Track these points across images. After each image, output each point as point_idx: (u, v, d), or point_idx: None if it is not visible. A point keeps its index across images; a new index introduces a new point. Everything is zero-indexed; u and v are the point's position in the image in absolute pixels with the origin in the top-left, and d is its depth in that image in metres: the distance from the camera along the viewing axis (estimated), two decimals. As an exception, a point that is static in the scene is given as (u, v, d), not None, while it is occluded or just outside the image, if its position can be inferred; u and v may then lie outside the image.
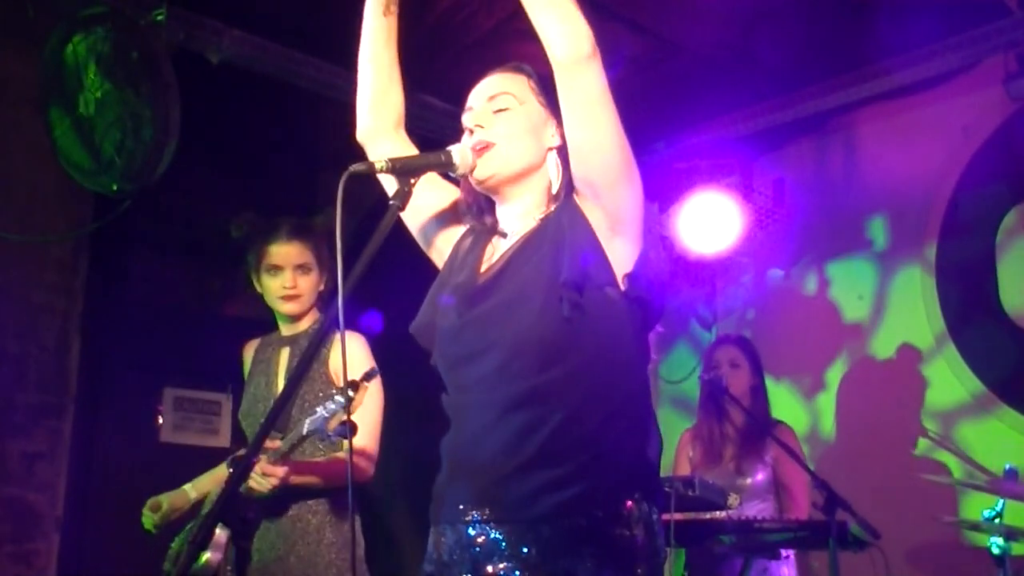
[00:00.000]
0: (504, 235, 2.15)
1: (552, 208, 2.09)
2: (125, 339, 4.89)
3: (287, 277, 3.27)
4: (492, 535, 1.92)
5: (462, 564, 1.96)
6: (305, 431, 2.85)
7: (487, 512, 1.93)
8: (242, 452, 3.01)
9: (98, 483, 4.69)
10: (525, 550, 1.89)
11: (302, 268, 3.28)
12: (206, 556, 2.99)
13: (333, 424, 2.78)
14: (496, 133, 2.08)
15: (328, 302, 3.33)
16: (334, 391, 2.91)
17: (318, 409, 2.81)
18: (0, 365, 4.22)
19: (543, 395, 1.93)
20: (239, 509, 3.05)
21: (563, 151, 2.09)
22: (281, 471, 2.91)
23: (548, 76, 2.15)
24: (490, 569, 1.91)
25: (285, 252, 3.28)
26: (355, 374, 3.17)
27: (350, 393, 2.74)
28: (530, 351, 1.94)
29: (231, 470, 3.19)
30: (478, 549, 1.94)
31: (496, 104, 2.12)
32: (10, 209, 4.30)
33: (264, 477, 2.90)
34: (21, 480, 4.24)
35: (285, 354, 3.31)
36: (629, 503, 1.92)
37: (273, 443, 2.96)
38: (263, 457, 2.92)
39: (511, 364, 1.95)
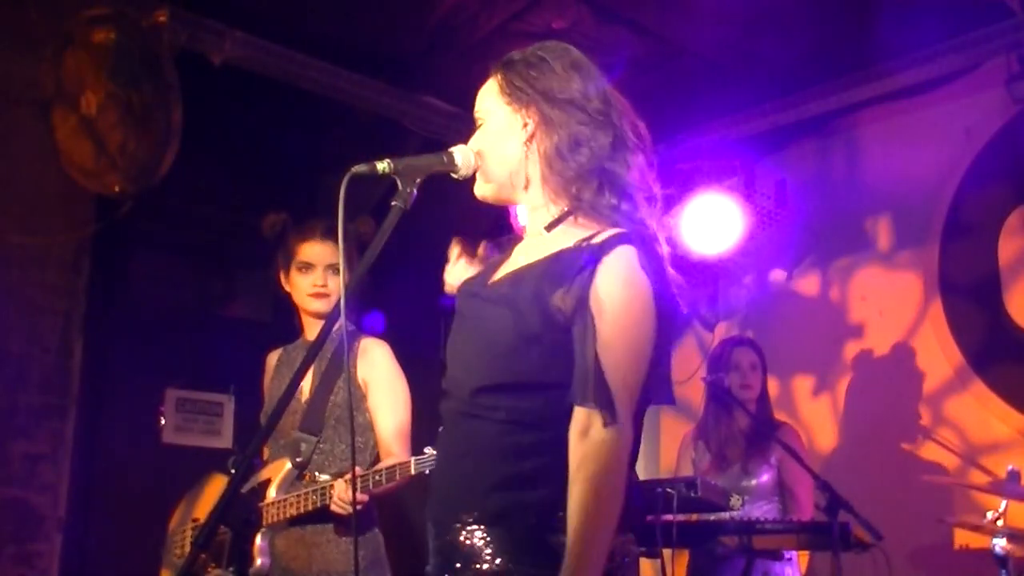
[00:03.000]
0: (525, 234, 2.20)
1: (574, 237, 2.03)
2: (127, 340, 4.89)
3: (318, 275, 3.32)
4: (454, 536, 1.95)
5: (443, 567, 1.99)
6: (414, 471, 2.92)
7: (451, 511, 1.97)
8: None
9: (100, 484, 4.69)
10: (472, 551, 1.92)
11: (334, 268, 3.32)
12: (258, 562, 3.06)
13: None
14: (478, 156, 2.14)
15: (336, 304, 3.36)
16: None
17: (428, 451, 2.85)
18: (2, 366, 4.22)
19: (497, 416, 1.96)
20: (241, 511, 3.07)
21: (532, 143, 2.08)
22: (363, 497, 3.02)
23: (515, 62, 2.14)
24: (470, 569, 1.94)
25: (319, 251, 3.32)
26: (380, 381, 3.24)
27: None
28: (491, 372, 1.99)
29: (233, 471, 3.21)
30: (449, 550, 1.96)
31: (478, 123, 2.18)
32: (13, 210, 4.30)
33: (345, 506, 2.99)
34: (23, 481, 4.24)
35: (316, 357, 3.33)
36: (561, 514, 1.89)
37: (356, 471, 3.02)
38: (343, 483, 2.99)
39: (478, 371, 2.01)
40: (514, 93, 2.11)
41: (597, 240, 1.98)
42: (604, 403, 1.87)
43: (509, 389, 1.96)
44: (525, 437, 1.94)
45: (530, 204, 2.15)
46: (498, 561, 1.90)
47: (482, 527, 1.92)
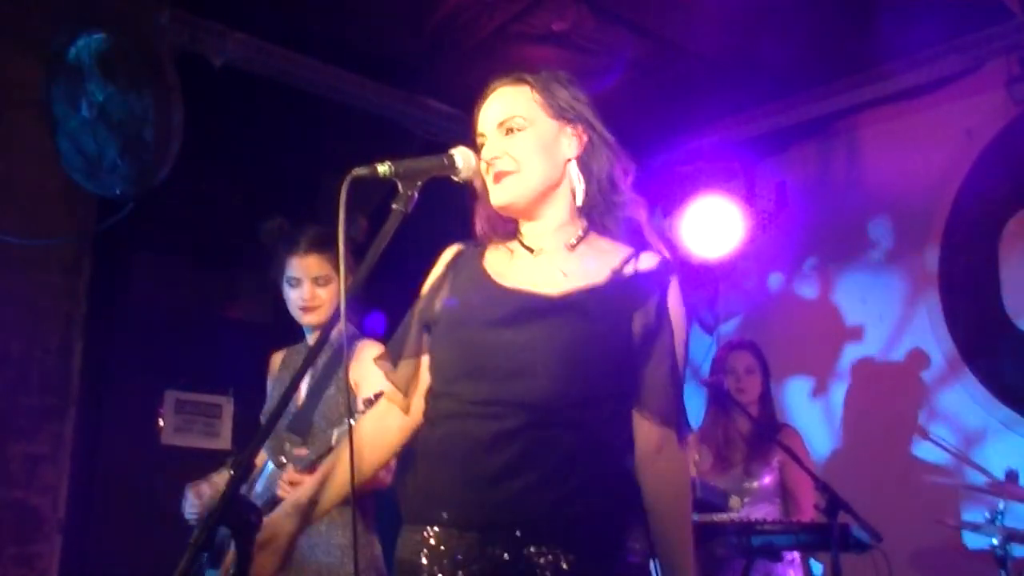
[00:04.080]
0: (531, 250, 2.15)
1: (631, 263, 2.10)
2: (127, 342, 4.89)
3: (305, 289, 3.27)
4: (509, 546, 1.90)
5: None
6: (334, 442, 2.84)
7: (505, 521, 1.91)
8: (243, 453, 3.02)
9: (100, 485, 4.70)
10: (551, 564, 1.88)
11: (320, 280, 3.27)
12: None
13: None
14: (512, 161, 2.09)
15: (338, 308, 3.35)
16: (360, 403, 2.88)
17: (349, 422, 2.82)
18: (3, 367, 4.22)
19: (585, 420, 1.96)
20: (241, 511, 3.07)
21: (581, 160, 2.13)
22: (309, 480, 2.93)
23: (548, 78, 2.17)
24: None
25: (304, 265, 3.27)
26: (374, 383, 3.21)
27: (360, 404, 2.75)
28: (568, 384, 1.97)
29: (232, 471, 3.21)
30: (492, 559, 1.91)
31: (506, 127, 2.13)
32: (14, 212, 4.30)
33: (292, 486, 2.93)
34: (23, 482, 4.24)
35: (315, 362, 3.33)
36: (639, 523, 1.98)
37: (300, 451, 2.98)
38: (289, 466, 2.94)
39: (549, 389, 1.96)
40: (560, 108, 2.13)
41: (647, 264, 2.09)
42: (681, 424, 2.04)
43: (601, 401, 1.98)
44: (603, 449, 1.96)
45: (550, 221, 2.14)
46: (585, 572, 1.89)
47: (556, 548, 1.89)
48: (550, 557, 1.88)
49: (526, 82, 2.16)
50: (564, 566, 1.88)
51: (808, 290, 5.48)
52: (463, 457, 1.97)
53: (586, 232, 2.13)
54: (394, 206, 1.97)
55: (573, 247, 2.12)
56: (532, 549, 1.89)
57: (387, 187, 2.02)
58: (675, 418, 2.02)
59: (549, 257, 2.12)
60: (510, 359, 1.98)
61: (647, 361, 2.02)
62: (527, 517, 1.90)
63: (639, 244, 2.12)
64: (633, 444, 2.03)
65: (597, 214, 2.14)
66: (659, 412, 2.01)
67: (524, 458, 1.91)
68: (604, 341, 1.99)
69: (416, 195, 1.99)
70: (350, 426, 2.04)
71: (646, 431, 2.02)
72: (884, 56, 4.63)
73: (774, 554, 3.96)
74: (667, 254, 2.14)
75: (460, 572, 1.93)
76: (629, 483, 2.02)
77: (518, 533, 1.90)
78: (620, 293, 2.04)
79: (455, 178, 2.12)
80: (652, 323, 2.02)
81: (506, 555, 1.90)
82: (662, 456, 2.02)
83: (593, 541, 1.91)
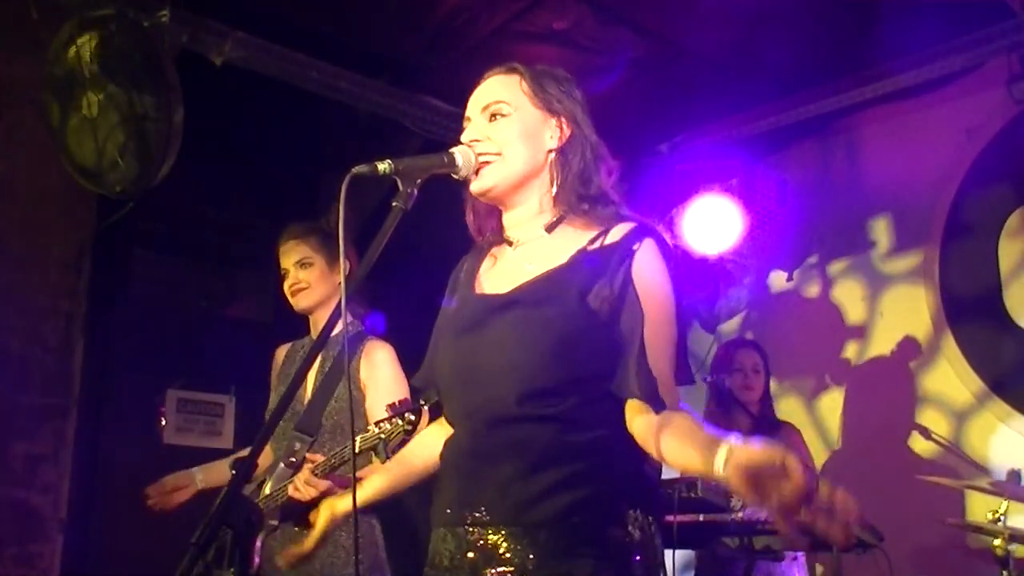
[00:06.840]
0: (510, 243, 2.17)
1: (596, 240, 2.08)
2: (128, 341, 4.89)
3: (290, 276, 3.41)
4: (491, 539, 1.94)
5: (462, 569, 1.98)
6: (358, 449, 2.86)
7: (486, 516, 1.95)
8: (245, 452, 3.03)
9: (101, 485, 4.69)
10: (523, 554, 1.91)
11: (301, 263, 3.40)
12: (256, 561, 3.06)
13: (392, 445, 2.77)
14: (494, 144, 2.11)
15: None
16: (383, 417, 2.90)
17: (372, 429, 2.84)
18: (3, 367, 4.22)
19: (547, 413, 1.95)
20: (242, 511, 3.06)
21: (563, 152, 2.13)
22: (324, 485, 2.98)
23: (542, 73, 2.18)
24: (488, 574, 1.93)
25: (284, 254, 3.45)
26: (379, 384, 3.25)
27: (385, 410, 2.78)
28: (520, 380, 1.97)
29: (234, 471, 3.21)
30: (475, 554, 1.96)
31: (491, 112, 2.15)
32: (14, 210, 4.30)
33: (305, 486, 2.97)
34: (24, 482, 4.23)
35: (317, 358, 3.34)
36: (626, 509, 1.95)
37: (316, 457, 3.01)
38: (306, 467, 2.98)
39: (523, 376, 1.98)
40: (548, 100, 2.15)
41: (616, 235, 2.05)
42: (652, 394, 1.93)
43: (561, 390, 1.95)
44: (576, 436, 1.94)
45: (528, 209, 2.15)
46: (557, 562, 1.89)
47: (540, 531, 1.91)
48: (520, 549, 1.91)
49: (516, 71, 2.18)
50: (531, 556, 1.90)
51: (808, 288, 5.48)
52: (456, 466, 2.07)
53: (564, 215, 2.12)
54: (394, 204, 1.97)
55: (551, 229, 2.13)
56: (503, 540, 1.93)
57: (387, 185, 2.02)
58: (649, 391, 1.93)
59: (526, 249, 2.14)
60: (470, 367, 2.05)
61: (619, 334, 1.96)
62: (502, 512, 1.94)
63: (617, 220, 2.10)
64: (624, 425, 1.98)
65: (572, 205, 2.13)
66: (639, 391, 1.93)
67: (499, 459, 1.96)
68: (553, 326, 1.97)
69: (416, 193, 1.99)
70: (352, 422, 2.05)
71: (631, 412, 1.97)
72: (884, 55, 4.62)
73: (775, 553, 3.96)
74: (645, 222, 2.09)
75: (447, 560, 2.01)
76: (615, 469, 1.97)
77: (494, 528, 1.95)
78: (576, 271, 2.03)
79: (455, 176, 2.12)
80: (615, 294, 1.97)
81: (482, 547, 1.95)
82: (653, 436, 1.92)
83: (568, 533, 1.90)
